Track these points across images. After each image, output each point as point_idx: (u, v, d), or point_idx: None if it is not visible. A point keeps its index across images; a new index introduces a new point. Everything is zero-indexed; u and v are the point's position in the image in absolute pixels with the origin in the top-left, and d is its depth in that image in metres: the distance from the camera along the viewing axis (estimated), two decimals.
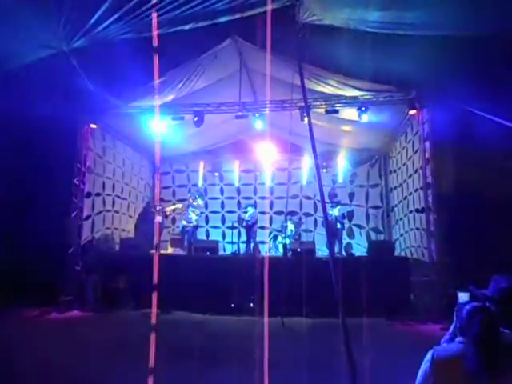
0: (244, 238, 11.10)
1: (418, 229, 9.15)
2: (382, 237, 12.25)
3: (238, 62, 9.33)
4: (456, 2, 5.61)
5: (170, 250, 10.88)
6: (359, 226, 12.60)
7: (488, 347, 1.70)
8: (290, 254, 9.51)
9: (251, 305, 8.48)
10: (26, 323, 7.44)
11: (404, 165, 10.41)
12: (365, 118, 9.00)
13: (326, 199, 10.08)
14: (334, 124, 10.48)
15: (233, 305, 8.62)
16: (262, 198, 13.59)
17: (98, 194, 10.50)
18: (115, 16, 5.77)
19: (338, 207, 10.80)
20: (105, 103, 9.59)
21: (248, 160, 13.57)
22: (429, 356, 1.82)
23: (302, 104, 8.45)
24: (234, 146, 13.71)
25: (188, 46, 7.66)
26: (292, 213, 12.77)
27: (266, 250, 11.76)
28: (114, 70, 7.65)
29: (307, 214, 13.11)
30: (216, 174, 14.05)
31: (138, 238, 11.19)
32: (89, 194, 10.03)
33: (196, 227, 11.92)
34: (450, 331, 2.00)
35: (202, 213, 12.96)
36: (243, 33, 7.78)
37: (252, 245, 11.15)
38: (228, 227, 13.17)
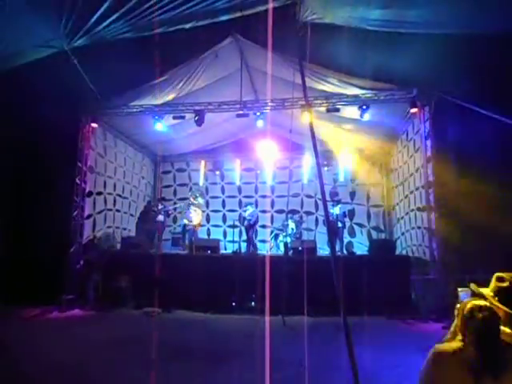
0: (245, 236, 11.09)
1: (419, 227, 9.14)
2: (383, 235, 12.24)
3: (238, 61, 9.32)
4: (457, 1, 5.60)
5: None
6: (360, 225, 12.60)
7: (488, 346, 1.70)
8: (291, 252, 9.51)
9: (252, 303, 8.49)
10: (27, 322, 7.45)
11: (405, 163, 10.39)
12: (366, 116, 9.00)
13: (327, 198, 10.08)
14: (336, 122, 10.47)
15: (234, 303, 8.63)
16: (263, 196, 13.60)
17: (99, 193, 10.51)
18: (116, 15, 5.77)
19: (339, 206, 10.80)
20: (106, 102, 9.61)
21: (249, 159, 13.57)
22: (430, 354, 1.82)
23: (303, 102, 8.44)
24: (235, 144, 13.72)
25: (189, 45, 7.67)
26: (293, 211, 12.76)
27: (267, 249, 11.77)
28: (115, 69, 7.65)
29: (308, 213, 13.10)
30: (217, 172, 14.06)
31: (139, 237, 11.21)
32: (90, 193, 10.04)
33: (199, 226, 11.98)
34: (450, 330, 2.00)
35: (202, 211, 12.97)
36: (244, 31, 7.79)
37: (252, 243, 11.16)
38: (229, 226, 13.18)
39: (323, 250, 11.07)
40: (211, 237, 13.28)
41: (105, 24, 5.99)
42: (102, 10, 5.67)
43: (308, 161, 12.80)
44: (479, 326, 1.74)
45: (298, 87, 6.33)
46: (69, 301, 8.60)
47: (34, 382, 4.34)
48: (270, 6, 5.43)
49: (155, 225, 11.77)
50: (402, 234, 10.85)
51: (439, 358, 1.78)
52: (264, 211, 13.23)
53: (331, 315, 6.84)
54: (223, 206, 14.00)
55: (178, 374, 4.63)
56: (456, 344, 1.81)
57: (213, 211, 13.99)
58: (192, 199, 12.26)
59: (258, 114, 9.61)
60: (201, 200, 12.83)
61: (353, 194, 12.79)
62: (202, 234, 13.13)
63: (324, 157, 11.88)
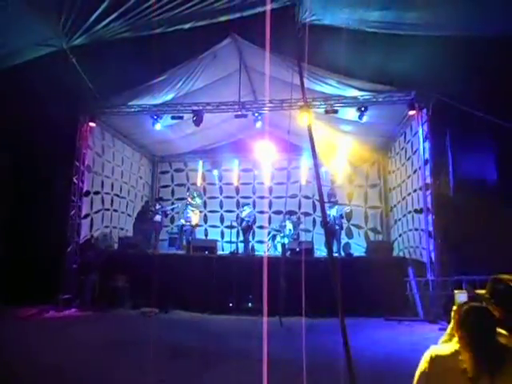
0: (242, 237, 11.10)
1: (416, 229, 9.16)
2: (380, 237, 12.26)
3: (237, 62, 9.33)
4: (456, 3, 5.62)
5: None
6: (358, 226, 12.61)
7: (485, 347, 1.70)
8: (288, 253, 9.51)
9: (249, 304, 8.49)
10: (24, 322, 7.42)
11: (403, 165, 10.41)
12: (364, 118, 9.01)
13: (325, 199, 10.09)
14: (334, 124, 10.48)
15: (231, 304, 8.63)
16: (261, 197, 13.60)
17: (96, 193, 10.49)
18: (115, 14, 5.77)
19: (336, 207, 10.82)
20: (104, 102, 9.59)
21: (247, 159, 13.56)
22: (426, 356, 1.82)
23: (302, 103, 8.45)
24: (234, 145, 13.72)
25: (187, 45, 7.67)
26: (291, 212, 12.77)
27: (264, 250, 11.77)
28: (114, 69, 7.65)
29: (306, 214, 13.11)
30: (215, 173, 14.05)
31: (137, 237, 11.20)
32: (87, 193, 10.02)
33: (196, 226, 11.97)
34: (447, 331, 2.01)
35: (200, 212, 12.97)
36: (243, 32, 7.79)
37: (250, 244, 11.16)
38: (226, 226, 13.16)
39: (321, 251, 11.07)
40: (209, 237, 13.27)
41: (104, 23, 5.99)
42: (101, 9, 5.68)
43: (306, 162, 12.81)
44: (475, 327, 1.75)
45: (297, 88, 6.33)
46: (66, 300, 8.58)
47: (28, 383, 4.31)
48: (269, 7, 5.44)
49: (152, 225, 11.76)
50: (400, 235, 10.87)
51: (435, 360, 1.78)
52: (262, 212, 13.23)
53: (328, 316, 6.86)
54: (221, 207, 13.99)
55: (175, 374, 4.62)
56: (452, 346, 1.81)
57: (210, 212, 13.97)
58: (190, 199, 12.26)
59: (257, 114, 9.62)
60: (198, 200, 12.82)
61: (350, 196, 12.80)
62: (199, 234, 13.13)
63: (322, 158, 11.88)
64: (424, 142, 8.45)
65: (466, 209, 6.97)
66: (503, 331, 1.82)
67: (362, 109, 8.89)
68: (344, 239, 12.04)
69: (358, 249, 11.98)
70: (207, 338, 6.43)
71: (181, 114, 9.95)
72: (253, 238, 12.74)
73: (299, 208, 13.23)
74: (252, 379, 4.21)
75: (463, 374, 1.68)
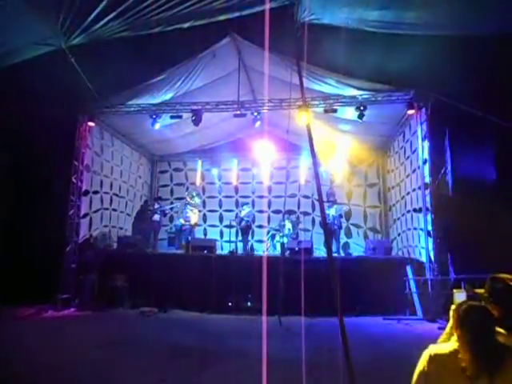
0: (241, 236, 11.10)
1: (415, 228, 9.17)
2: (379, 236, 12.27)
3: (236, 61, 9.33)
4: (455, 2, 5.62)
5: None
6: (357, 226, 12.62)
7: (483, 346, 1.70)
8: (287, 253, 9.51)
9: (249, 304, 8.49)
10: (22, 321, 7.41)
11: (402, 164, 10.42)
12: (363, 117, 9.00)
13: (324, 198, 10.08)
14: (333, 123, 10.49)
15: (230, 303, 8.63)
16: (260, 196, 13.60)
17: (95, 192, 10.48)
18: (113, 14, 5.76)
19: (335, 206, 10.82)
20: (103, 101, 9.58)
21: (246, 159, 13.55)
22: (425, 355, 1.83)
23: (301, 103, 8.45)
24: (233, 144, 13.72)
25: (186, 45, 7.66)
26: (290, 212, 12.78)
27: (263, 249, 11.77)
28: (113, 68, 7.64)
29: (305, 213, 13.11)
30: (214, 172, 14.04)
31: (136, 237, 11.19)
32: (86, 192, 10.00)
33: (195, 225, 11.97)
34: (446, 330, 2.01)
35: (199, 211, 12.96)
36: (242, 31, 7.79)
37: (249, 244, 11.16)
38: (226, 226, 13.16)
39: (320, 251, 11.08)
40: (208, 237, 13.26)
41: (102, 22, 5.98)
42: (100, 8, 5.66)
43: (305, 161, 12.81)
44: (474, 326, 1.75)
45: (296, 87, 6.33)
46: (64, 300, 8.58)
47: (27, 383, 4.30)
48: (268, 6, 5.44)
49: (151, 224, 11.75)
50: (399, 234, 10.88)
51: (434, 359, 1.79)
52: (261, 211, 13.24)
53: (327, 315, 6.86)
54: (220, 206, 13.98)
55: (174, 373, 4.62)
56: (451, 345, 1.82)
57: (209, 211, 13.97)
58: (189, 199, 12.25)
59: (256, 114, 9.61)
60: (197, 200, 12.81)
61: (349, 195, 12.81)
62: (198, 233, 13.12)
63: (321, 157, 11.88)
64: (423, 141, 8.46)
65: (465, 208, 6.98)
66: (502, 330, 1.82)
67: (361, 108, 8.88)
68: (343, 239, 12.05)
69: (357, 248, 12.00)
70: (206, 337, 6.43)
71: (180, 114, 9.95)
72: (252, 238, 12.75)
73: (298, 207, 13.24)
74: (251, 379, 4.22)
75: (462, 373, 1.68)
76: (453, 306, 1.93)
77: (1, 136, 8.45)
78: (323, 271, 7.44)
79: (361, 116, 8.93)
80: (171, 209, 13.23)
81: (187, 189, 13.82)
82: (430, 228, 8.11)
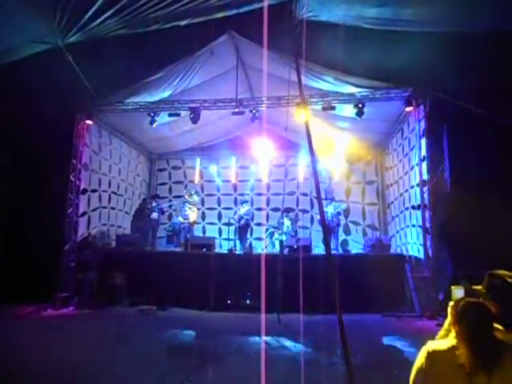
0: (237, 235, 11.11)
1: (413, 226, 9.19)
2: (378, 234, 12.29)
3: (234, 58, 9.31)
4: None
5: None
6: (355, 223, 12.63)
7: (481, 343, 1.71)
8: (286, 250, 9.52)
9: (248, 301, 8.50)
10: (22, 320, 7.41)
11: (400, 162, 10.43)
12: (362, 114, 9.00)
13: (322, 196, 10.10)
14: (331, 121, 10.48)
15: (229, 301, 8.64)
16: (259, 194, 13.59)
17: (93, 191, 10.46)
18: (110, 11, 5.74)
19: (334, 204, 10.83)
20: (101, 99, 9.55)
21: (245, 156, 13.52)
22: (423, 351, 1.83)
23: (299, 100, 8.44)
24: (231, 142, 13.69)
25: (184, 42, 7.64)
26: (288, 209, 12.77)
27: (262, 247, 11.77)
28: (110, 66, 7.61)
29: (304, 211, 13.11)
30: (212, 170, 14.02)
31: (134, 235, 11.18)
32: (85, 191, 9.98)
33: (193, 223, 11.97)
34: (444, 327, 2.01)
35: (198, 209, 12.96)
36: (240, 29, 7.77)
37: (248, 242, 11.16)
38: (224, 224, 13.16)
39: (318, 248, 11.09)
40: (206, 235, 13.26)
41: (99, 20, 5.95)
42: (97, 6, 5.64)
43: (304, 159, 12.81)
44: (472, 323, 1.76)
45: (294, 85, 6.32)
46: (63, 298, 8.57)
47: (26, 382, 4.30)
48: (266, 3, 5.42)
49: (149, 222, 11.74)
50: (397, 231, 10.90)
51: (432, 356, 1.79)
52: (260, 209, 13.24)
53: (326, 313, 6.87)
54: (218, 204, 13.98)
55: (173, 371, 4.62)
56: (449, 341, 1.82)
57: (208, 209, 13.96)
58: (187, 197, 12.24)
59: (254, 111, 9.59)
60: (196, 198, 12.80)
61: (348, 192, 12.82)
62: (197, 231, 13.12)
63: (319, 155, 11.88)
64: (421, 138, 8.46)
65: (463, 205, 6.99)
66: (500, 326, 1.83)
67: (360, 105, 8.87)
68: (342, 236, 12.07)
69: (356, 245, 12.02)
70: (205, 335, 6.44)
71: (178, 112, 9.91)
72: (251, 236, 12.75)
73: (297, 205, 13.24)
74: (250, 375, 4.23)
75: (460, 369, 1.69)
76: (451, 303, 1.93)
77: None
78: (322, 269, 7.44)
79: (360, 114, 8.92)
80: (170, 206, 13.22)
81: (186, 187, 13.80)
82: (428, 225, 8.13)
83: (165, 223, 13.29)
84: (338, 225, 10.91)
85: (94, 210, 10.46)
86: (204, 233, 13.55)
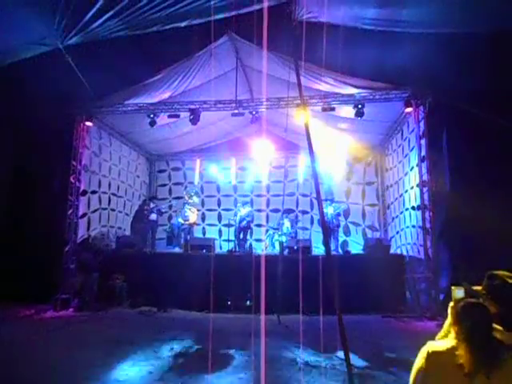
0: (241, 235, 11.09)
1: (413, 226, 9.19)
2: (378, 234, 12.29)
3: (234, 60, 9.32)
4: (452, 0, 5.63)
5: None
6: (355, 224, 12.63)
7: (481, 343, 1.71)
8: (286, 251, 9.52)
9: (248, 302, 8.50)
10: (22, 322, 7.40)
11: (400, 162, 10.43)
12: (362, 115, 9.01)
13: (322, 197, 10.10)
14: (331, 122, 10.49)
15: (229, 302, 8.64)
16: (259, 195, 13.60)
17: (93, 192, 10.46)
18: (110, 13, 5.74)
19: (334, 205, 10.83)
20: (101, 101, 9.57)
21: (244, 158, 13.54)
22: (423, 352, 1.83)
23: (299, 101, 8.45)
24: (231, 143, 13.69)
25: (184, 44, 7.65)
26: (288, 210, 12.78)
27: (262, 248, 11.77)
28: (110, 68, 7.63)
29: (304, 212, 13.12)
30: (212, 171, 14.03)
31: (134, 236, 11.17)
32: (85, 192, 9.98)
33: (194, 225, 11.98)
34: (444, 327, 2.01)
35: (197, 210, 12.96)
36: (239, 30, 7.78)
37: (248, 243, 11.16)
38: (224, 225, 13.16)
39: (318, 249, 11.09)
40: (206, 236, 13.26)
41: (99, 22, 5.96)
42: (96, 7, 5.64)
43: (303, 160, 12.82)
44: (472, 323, 1.76)
45: (294, 86, 6.34)
46: (64, 300, 8.57)
47: (26, 382, 4.30)
48: (265, 4, 5.43)
49: (149, 224, 11.73)
50: (397, 232, 10.90)
51: (432, 356, 1.79)
52: (259, 210, 13.24)
53: (326, 314, 6.86)
54: (218, 205, 13.98)
55: (173, 373, 4.62)
56: (449, 341, 1.82)
57: (208, 210, 13.97)
58: (187, 198, 12.24)
59: (254, 112, 9.60)
60: (196, 199, 12.80)
61: (348, 193, 12.83)
62: (197, 233, 13.12)
63: (319, 156, 11.89)
64: (421, 139, 8.47)
65: (463, 205, 7.00)
66: (499, 327, 1.83)
67: (359, 106, 8.88)
68: (342, 237, 12.08)
69: (356, 246, 12.01)
70: (205, 336, 6.43)
71: (178, 113, 9.92)
72: (251, 237, 12.75)
73: (297, 206, 13.25)
74: (251, 377, 4.23)
75: (460, 370, 1.69)
76: (451, 303, 1.93)
77: None
78: (322, 270, 7.45)
79: (360, 114, 8.93)
80: (169, 207, 13.22)
81: (185, 188, 13.81)
82: (428, 226, 8.13)
83: (164, 224, 13.30)
84: (338, 226, 10.91)
85: (94, 212, 10.46)
86: (204, 234, 13.55)
